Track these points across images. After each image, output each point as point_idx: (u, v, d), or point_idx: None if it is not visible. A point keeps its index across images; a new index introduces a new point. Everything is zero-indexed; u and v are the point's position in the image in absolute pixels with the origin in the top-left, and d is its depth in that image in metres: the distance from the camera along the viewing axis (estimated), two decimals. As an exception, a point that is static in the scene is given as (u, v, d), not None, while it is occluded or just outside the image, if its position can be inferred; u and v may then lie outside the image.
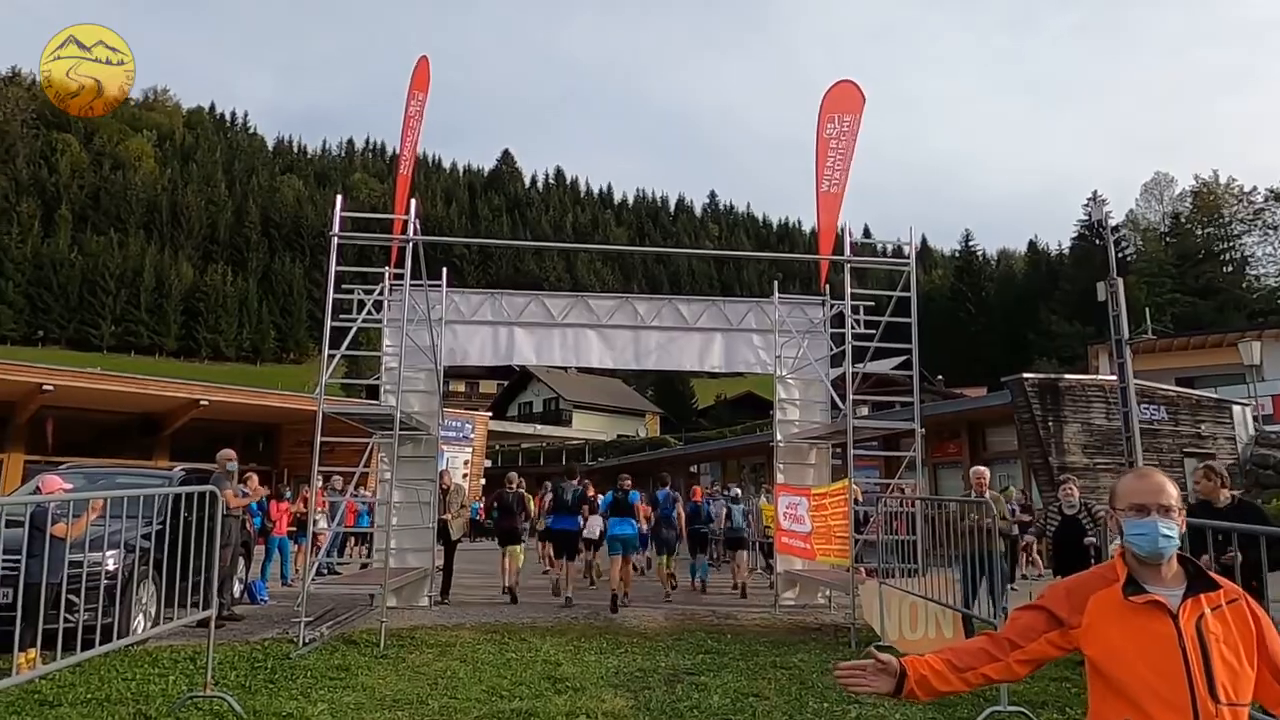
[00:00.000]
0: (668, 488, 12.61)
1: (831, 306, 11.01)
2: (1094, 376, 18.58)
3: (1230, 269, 73.50)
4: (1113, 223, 79.41)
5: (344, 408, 9.15)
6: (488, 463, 39.96)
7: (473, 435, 30.75)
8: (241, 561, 10.30)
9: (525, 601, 10.73)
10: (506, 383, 67.01)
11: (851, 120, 10.67)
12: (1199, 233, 76.85)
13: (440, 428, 10.40)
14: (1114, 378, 17.74)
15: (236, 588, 10.11)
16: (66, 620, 6.33)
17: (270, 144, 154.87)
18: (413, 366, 10.35)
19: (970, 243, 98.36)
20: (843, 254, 8.90)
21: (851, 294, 8.74)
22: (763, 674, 6.72)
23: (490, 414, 35.16)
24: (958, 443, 20.56)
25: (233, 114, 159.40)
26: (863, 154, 10.74)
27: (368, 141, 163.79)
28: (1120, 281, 17.96)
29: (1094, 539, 7.56)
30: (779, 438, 10.77)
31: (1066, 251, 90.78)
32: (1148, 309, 26.98)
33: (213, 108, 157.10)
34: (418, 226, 8.64)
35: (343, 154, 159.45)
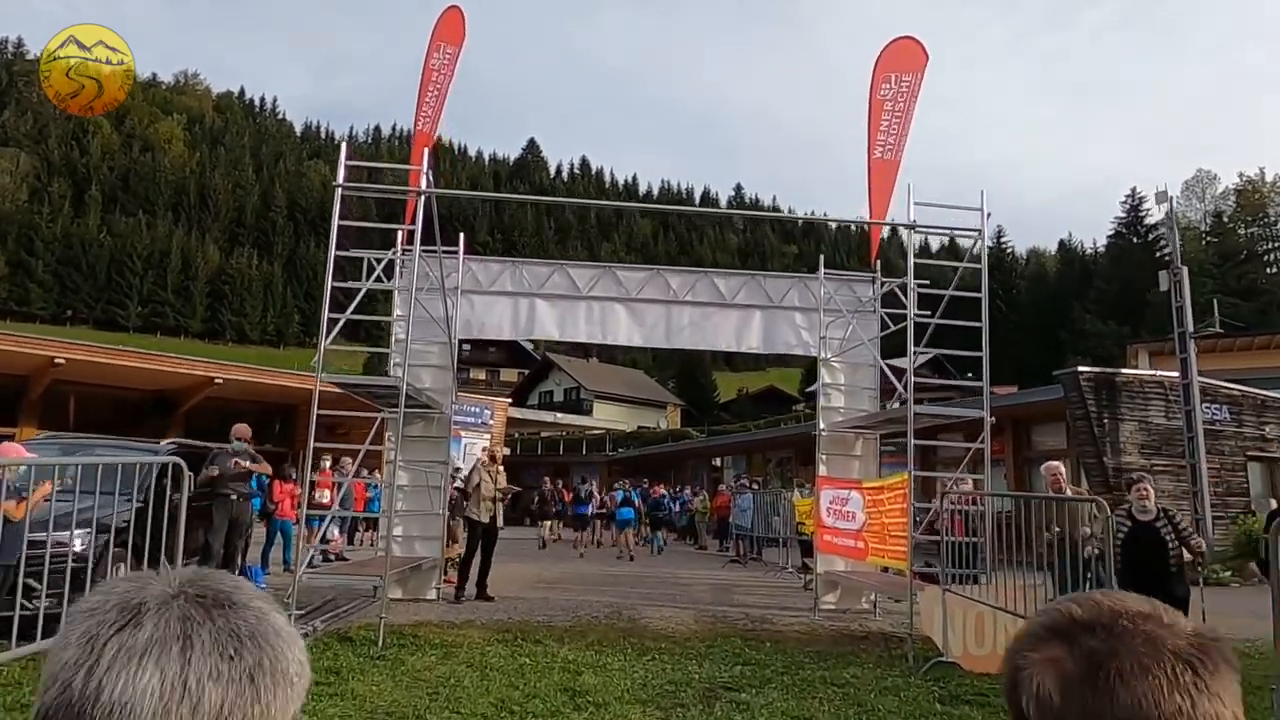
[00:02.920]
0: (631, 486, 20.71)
1: (882, 284, 10.06)
2: (1153, 372, 17.41)
3: (1274, 270, 71.14)
4: (1151, 220, 76.28)
5: (344, 380, 8.36)
6: (506, 450, 39.33)
7: (492, 421, 30.02)
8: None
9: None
10: (528, 371, 66.46)
11: (911, 80, 9.70)
12: (1242, 232, 74.52)
13: (454, 406, 9.59)
14: (1175, 374, 16.62)
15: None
16: (24, 608, 5.66)
17: (298, 129, 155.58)
18: (425, 339, 9.54)
19: (1002, 239, 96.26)
20: (903, 221, 7.96)
21: (915, 264, 7.78)
22: (811, 691, 5.83)
23: (510, 400, 34.38)
24: (1000, 440, 19.46)
25: (262, 99, 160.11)
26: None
27: (394, 129, 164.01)
28: (1184, 271, 16.83)
29: (1176, 552, 6.33)
30: (822, 426, 9.84)
31: (1102, 250, 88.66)
32: (1215, 300, 25.58)
33: (242, 92, 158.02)
34: (430, 179, 7.81)
35: (370, 141, 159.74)
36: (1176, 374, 16.05)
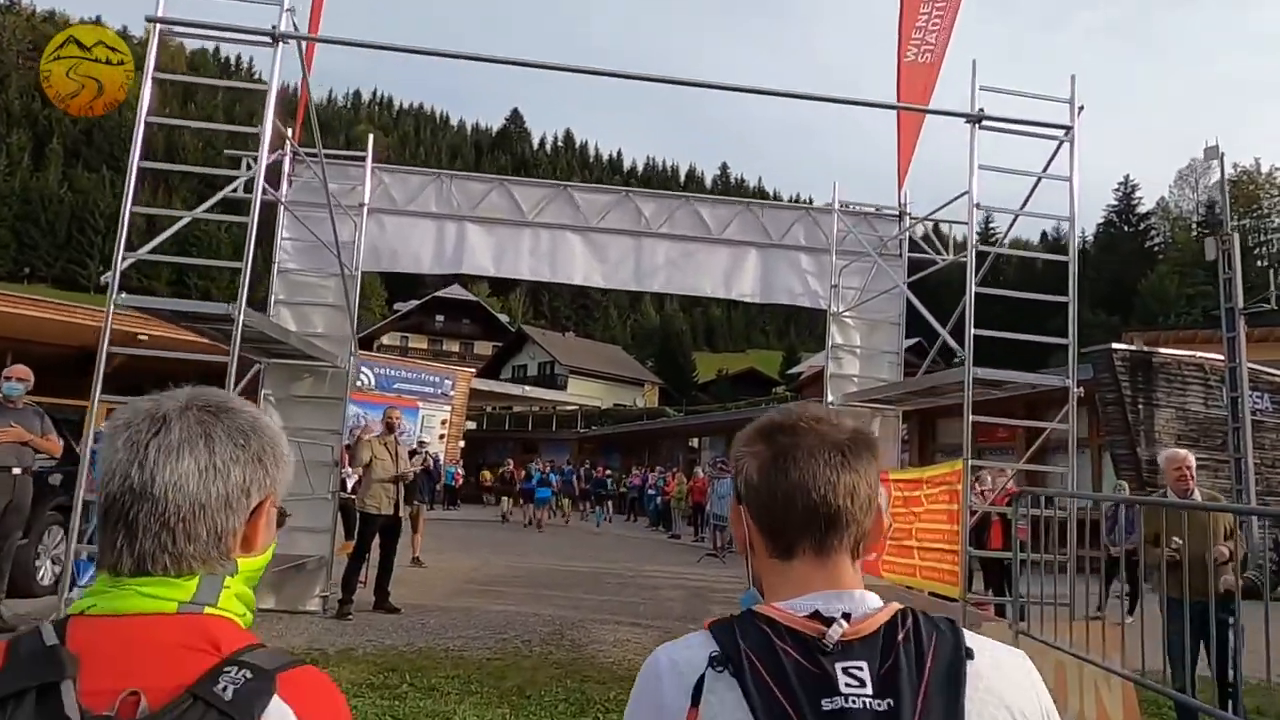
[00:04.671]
0: (569, 467, 25.86)
1: (910, 221, 7.92)
2: (1192, 353, 15.49)
3: (1264, 263, 70.02)
4: (1143, 209, 74.83)
5: (151, 304, 6.10)
6: (470, 425, 37.03)
7: (453, 393, 27.72)
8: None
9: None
10: (501, 344, 64.10)
11: (958, -42, 7.55)
12: (1235, 224, 73.39)
13: (354, 356, 7.33)
14: (1216, 356, 14.78)
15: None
16: None
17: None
18: (317, 270, 7.30)
19: (990, 224, 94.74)
20: (964, 112, 5.79)
21: (980, 167, 5.61)
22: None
23: (474, 371, 32.09)
24: (1010, 428, 17.49)
25: (238, 58, 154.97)
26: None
27: (375, 94, 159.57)
28: (1235, 237, 14.87)
29: None
30: (831, 399, 7.71)
31: (1091, 240, 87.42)
32: (1272, 271, 23.74)
33: (217, 51, 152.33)
34: (293, 24, 5.49)
35: (349, 106, 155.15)
36: (1218, 356, 14.18)
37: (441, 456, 26.80)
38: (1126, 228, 77.21)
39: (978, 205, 5.64)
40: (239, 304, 5.22)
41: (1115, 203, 78.62)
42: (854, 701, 0.81)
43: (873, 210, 8.07)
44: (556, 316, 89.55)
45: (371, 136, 7.52)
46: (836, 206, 7.84)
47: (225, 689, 0.74)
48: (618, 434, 33.93)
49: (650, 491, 23.73)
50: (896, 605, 0.90)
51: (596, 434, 34.87)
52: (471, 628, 6.95)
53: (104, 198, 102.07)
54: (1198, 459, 13.95)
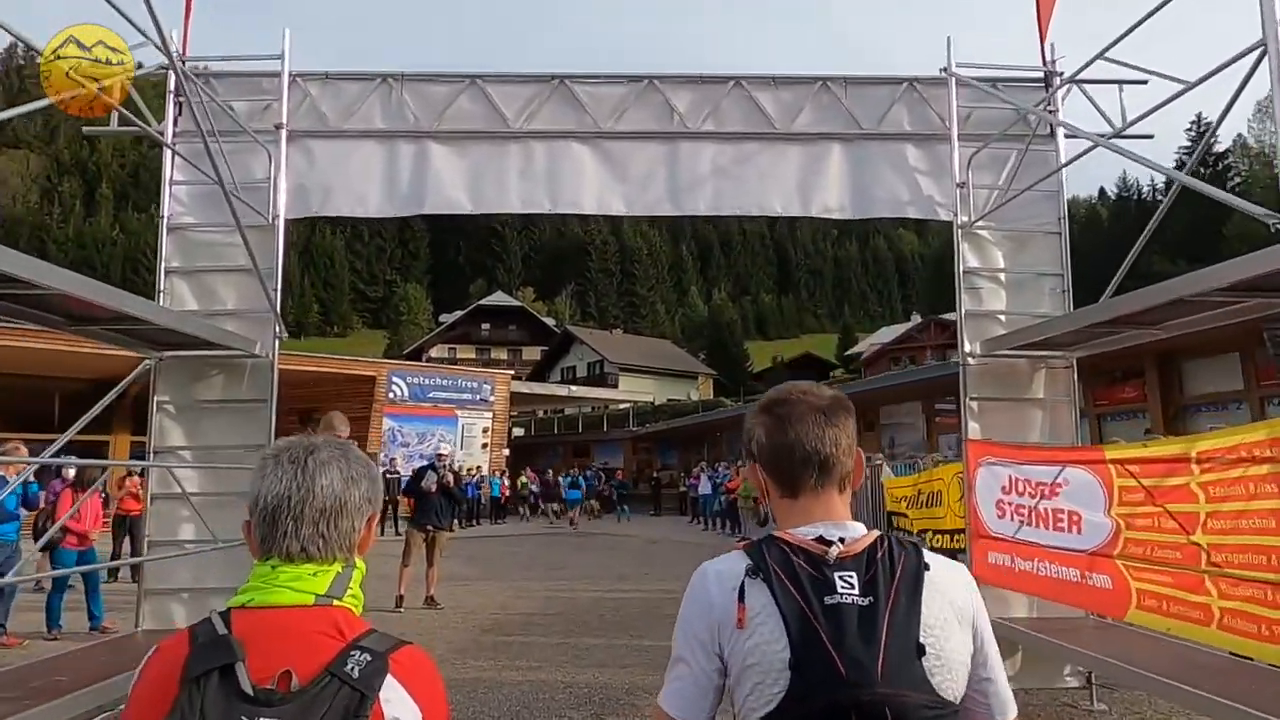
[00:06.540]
0: (590, 473, 28.12)
1: (1058, 81, 5.42)
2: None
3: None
4: (1220, 147, 69.65)
5: None
6: (519, 431, 35.14)
7: (492, 398, 25.78)
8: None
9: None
10: (548, 347, 62.46)
11: None
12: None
13: (279, 340, 5.20)
14: None
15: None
16: None
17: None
18: (223, 226, 5.17)
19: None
20: None
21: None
22: None
23: (513, 373, 30.15)
24: (1137, 384, 14.69)
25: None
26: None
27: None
28: None
29: None
30: (970, 348, 5.32)
31: (1160, 188, 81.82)
32: None
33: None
34: None
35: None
36: None
37: (485, 466, 24.88)
38: (1203, 169, 71.79)
39: None
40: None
41: (1188, 144, 73.20)
42: (846, 598, 1.17)
43: (1006, 75, 5.61)
44: (604, 316, 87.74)
45: (288, 33, 5.38)
46: (954, 72, 5.41)
47: (353, 669, 1.03)
48: (672, 429, 31.60)
49: (705, 492, 21.45)
50: (877, 532, 1.27)
51: (650, 431, 32.59)
52: (468, 718, 4.74)
53: (155, 237, 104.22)
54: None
